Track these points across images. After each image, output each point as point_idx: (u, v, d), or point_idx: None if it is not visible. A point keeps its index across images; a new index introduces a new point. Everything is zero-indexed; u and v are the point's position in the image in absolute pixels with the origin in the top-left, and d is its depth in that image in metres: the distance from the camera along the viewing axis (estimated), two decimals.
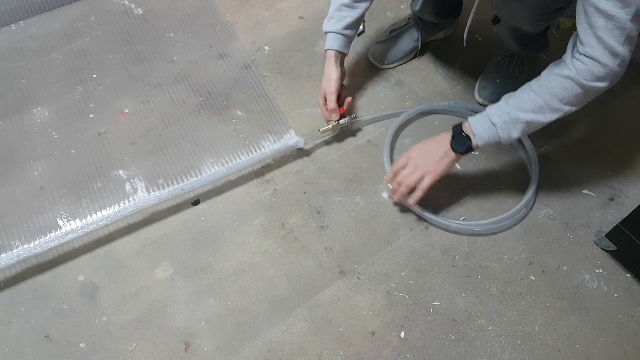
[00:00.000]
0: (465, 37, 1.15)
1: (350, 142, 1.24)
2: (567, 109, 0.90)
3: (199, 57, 1.40)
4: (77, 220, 1.07)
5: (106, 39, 1.43)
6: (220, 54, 1.41)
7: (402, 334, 0.98)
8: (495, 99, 1.26)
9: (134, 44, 1.42)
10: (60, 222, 1.08)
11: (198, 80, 1.35)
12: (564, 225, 1.10)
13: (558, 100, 0.89)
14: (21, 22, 1.48)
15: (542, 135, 1.23)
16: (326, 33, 1.18)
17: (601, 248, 1.06)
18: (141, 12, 1.50)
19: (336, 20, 1.15)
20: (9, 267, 1.01)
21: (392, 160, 1.20)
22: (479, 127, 0.96)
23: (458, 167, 1.19)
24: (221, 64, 1.39)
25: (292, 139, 1.19)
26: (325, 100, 1.18)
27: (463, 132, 0.98)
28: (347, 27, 1.15)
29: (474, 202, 1.14)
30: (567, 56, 0.88)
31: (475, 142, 0.96)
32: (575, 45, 0.87)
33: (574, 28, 1.51)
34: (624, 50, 0.81)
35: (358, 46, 1.42)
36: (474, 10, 1.07)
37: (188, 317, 1.00)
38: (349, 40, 1.18)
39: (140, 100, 1.31)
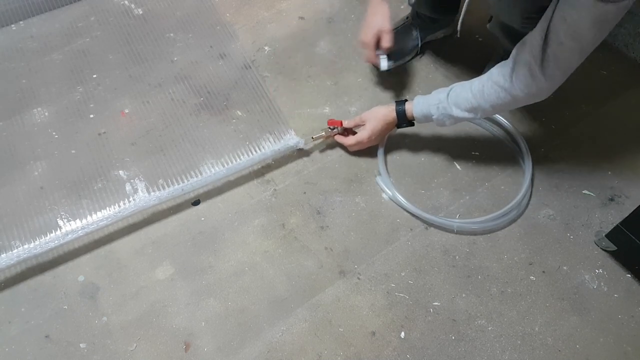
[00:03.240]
0: (458, 28, 1.14)
1: None
2: (496, 112, 1.05)
3: (199, 57, 1.40)
4: (77, 221, 1.07)
5: (106, 39, 1.43)
6: (220, 54, 1.41)
7: (402, 334, 0.98)
8: None
9: (134, 44, 1.42)
10: (60, 222, 1.08)
11: (198, 80, 1.35)
12: (564, 225, 1.11)
13: (490, 105, 0.99)
14: (21, 22, 1.47)
15: (542, 135, 1.24)
16: None
17: (601, 248, 1.07)
18: (141, 12, 1.50)
19: None
20: (8, 267, 1.01)
21: (386, 162, 1.20)
22: (419, 114, 1.09)
23: (458, 167, 1.19)
24: (221, 64, 1.39)
25: (292, 140, 1.19)
26: (370, 40, 1.17)
27: (406, 118, 1.12)
28: None
29: (473, 202, 1.14)
30: (508, 67, 0.95)
31: (415, 122, 1.14)
32: (516, 59, 0.93)
33: None
34: (559, 74, 0.90)
35: (350, 47, 1.42)
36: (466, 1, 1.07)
37: (188, 317, 1.00)
38: None
39: (140, 100, 1.31)
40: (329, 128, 1.19)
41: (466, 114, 1.03)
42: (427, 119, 1.09)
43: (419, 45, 1.37)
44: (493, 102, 0.98)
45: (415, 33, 1.36)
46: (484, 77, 1.00)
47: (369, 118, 1.15)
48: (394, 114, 1.12)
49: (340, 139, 1.20)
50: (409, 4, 1.30)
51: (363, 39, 1.19)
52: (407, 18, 1.39)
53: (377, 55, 1.20)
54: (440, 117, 1.06)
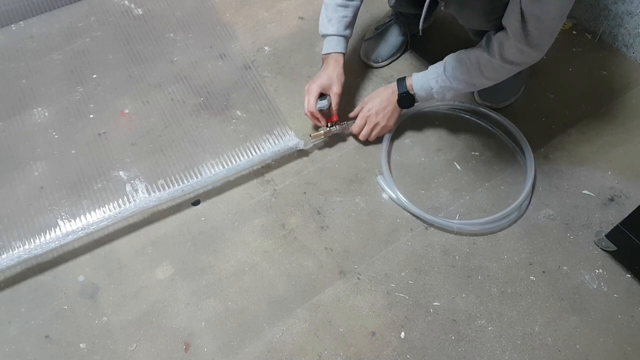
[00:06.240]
0: (420, 27, 1.13)
1: (350, 142, 1.24)
2: (491, 83, 1.07)
3: (199, 57, 1.40)
4: (77, 221, 1.07)
5: (106, 39, 1.43)
6: (220, 54, 1.41)
7: (402, 334, 0.98)
8: (495, 99, 1.26)
9: (134, 44, 1.42)
10: (61, 223, 1.08)
11: (198, 80, 1.35)
12: (564, 225, 1.10)
13: (486, 78, 1.04)
14: (21, 22, 1.48)
15: (542, 135, 1.24)
16: (325, 36, 1.18)
17: (601, 248, 1.06)
18: (141, 12, 1.50)
19: (335, 21, 1.15)
20: (9, 267, 1.01)
21: (389, 161, 1.20)
22: (419, 87, 1.12)
23: (458, 167, 1.19)
24: (221, 64, 1.39)
25: (291, 141, 1.19)
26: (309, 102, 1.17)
27: (407, 91, 1.14)
28: (347, 27, 1.17)
29: (473, 202, 1.14)
30: (496, 46, 0.98)
31: (416, 98, 1.15)
32: (501, 41, 0.97)
33: (573, 28, 1.52)
34: (548, 39, 0.95)
35: (350, 47, 1.42)
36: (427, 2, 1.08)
37: (188, 317, 1.00)
38: (347, 40, 1.20)
39: (140, 100, 1.31)
40: (327, 126, 1.19)
41: (466, 86, 1.08)
42: (428, 93, 1.11)
43: (408, 40, 1.38)
44: (489, 75, 1.03)
45: (400, 29, 1.37)
46: (477, 50, 1.03)
47: (369, 97, 1.18)
48: (394, 85, 1.15)
49: (352, 130, 1.21)
50: (390, 5, 1.30)
51: (307, 87, 1.17)
52: (390, 16, 1.39)
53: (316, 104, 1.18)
54: (440, 90, 1.09)
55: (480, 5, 0.99)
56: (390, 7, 1.31)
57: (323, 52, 1.19)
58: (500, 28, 0.99)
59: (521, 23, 0.90)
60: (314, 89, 1.16)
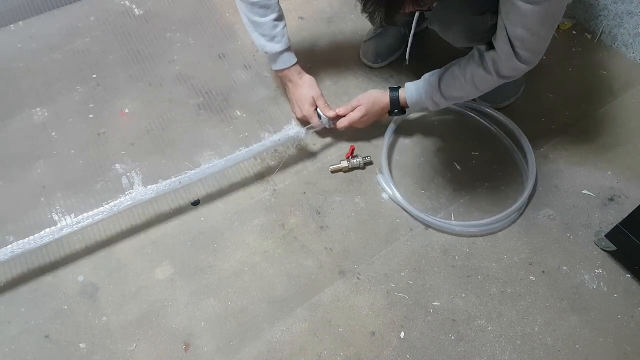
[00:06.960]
0: (407, 57, 1.19)
1: (350, 142, 1.24)
2: (484, 93, 1.09)
3: (199, 57, 1.40)
4: (73, 215, 1.05)
5: (106, 39, 1.43)
6: (220, 54, 1.41)
7: (402, 334, 0.98)
8: (495, 99, 1.26)
9: (134, 44, 1.42)
10: (56, 217, 1.08)
11: (198, 80, 1.35)
12: (564, 225, 1.11)
13: (481, 91, 1.07)
14: (21, 22, 1.48)
15: (542, 135, 1.24)
16: (276, 54, 1.15)
17: (601, 248, 1.07)
18: (141, 13, 1.50)
19: (280, 37, 1.13)
20: (2, 263, 0.99)
21: (390, 160, 1.20)
22: (414, 104, 1.14)
23: (458, 167, 1.19)
24: (221, 64, 1.39)
25: (292, 130, 1.15)
26: (311, 112, 1.18)
27: (399, 105, 1.15)
28: (288, 37, 1.15)
29: (473, 202, 1.14)
30: (489, 63, 0.99)
31: (407, 111, 1.18)
32: (494, 59, 0.98)
33: (573, 28, 1.52)
34: (538, 55, 0.97)
35: (350, 47, 1.42)
36: (411, 36, 1.14)
37: (188, 317, 1.00)
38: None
39: (140, 100, 1.31)
40: (349, 162, 1.18)
41: (458, 99, 1.11)
42: (422, 109, 1.16)
43: (409, 40, 1.38)
44: (484, 89, 1.06)
45: (402, 30, 1.36)
46: (472, 68, 1.03)
47: (365, 98, 1.16)
48: (387, 99, 1.15)
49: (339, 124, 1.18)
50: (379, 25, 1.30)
51: (305, 114, 1.18)
52: None
53: (320, 120, 1.19)
54: (434, 107, 1.12)
55: (462, 28, 1.02)
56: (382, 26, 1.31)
57: (277, 68, 1.17)
58: (487, 41, 1.00)
59: (510, 46, 0.93)
60: (312, 111, 1.17)
